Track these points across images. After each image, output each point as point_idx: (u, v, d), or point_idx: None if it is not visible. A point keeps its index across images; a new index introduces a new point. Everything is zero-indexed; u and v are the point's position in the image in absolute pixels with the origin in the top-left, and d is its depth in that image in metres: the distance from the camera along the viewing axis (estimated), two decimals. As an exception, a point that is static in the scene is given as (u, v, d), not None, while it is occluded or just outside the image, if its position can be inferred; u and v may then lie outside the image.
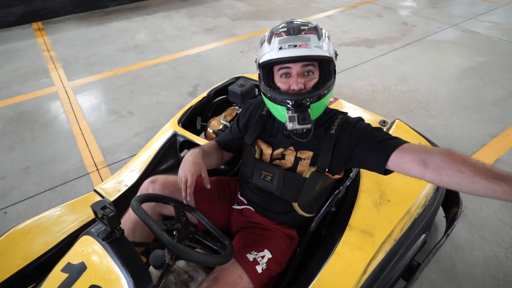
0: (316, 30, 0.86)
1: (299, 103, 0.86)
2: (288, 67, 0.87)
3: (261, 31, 3.94)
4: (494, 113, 2.44)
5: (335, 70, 0.92)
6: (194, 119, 1.67)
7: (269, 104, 0.94)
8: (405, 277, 1.24)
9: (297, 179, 0.98)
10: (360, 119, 0.97)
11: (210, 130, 1.65)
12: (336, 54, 0.92)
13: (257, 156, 1.03)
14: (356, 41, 3.63)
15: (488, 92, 2.70)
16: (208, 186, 0.96)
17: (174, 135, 1.48)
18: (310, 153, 0.97)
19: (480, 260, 1.47)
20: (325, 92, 0.88)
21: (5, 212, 1.74)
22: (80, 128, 2.37)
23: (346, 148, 0.93)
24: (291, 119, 0.87)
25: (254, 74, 1.83)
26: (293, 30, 0.85)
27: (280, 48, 0.84)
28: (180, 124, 1.54)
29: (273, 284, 0.99)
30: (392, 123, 1.50)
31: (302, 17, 4.34)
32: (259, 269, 0.93)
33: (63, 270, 0.80)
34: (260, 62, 0.90)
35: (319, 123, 0.97)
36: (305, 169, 0.97)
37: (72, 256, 0.81)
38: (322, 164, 0.95)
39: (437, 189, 1.24)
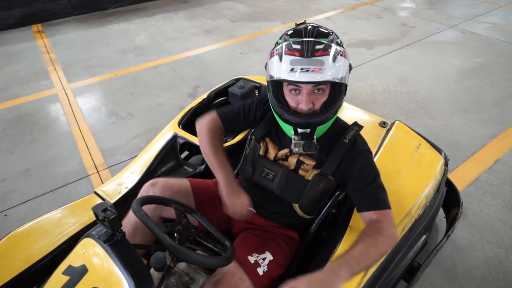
0: (330, 49, 0.81)
1: (306, 126, 0.86)
2: (298, 86, 0.84)
3: (261, 33, 3.95)
4: (493, 114, 2.45)
5: (346, 86, 0.90)
6: (194, 120, 1.66)
7: (277, 117, 0.93)
8: (406, 278, 1.25)
9: (299, 180, 0.98)
10: (366, 150, 0.97)
11: (210, 132, 1.65)
12: (350, 68, 0.89)
13: (261, 153, 1.02)
14: (355, 42, 3.64)
15: (487, 93, 2.71)
16: (253, 210, 0.98)
17: (175, 137, 1.48)
18: (313, 162, 0.97)
19: (480, 261, 1.47)
20: (334, 112, 0.88)
21: (5, 215, 1.74)
22: (80, 130, 2.37)
23: (343, 170, 0.95)
24: (296, 144, 0.87)
25: (254, 76, 1.84)
26: (307, 52, 0.80)
27: (292, 70, 0.80)
28: (180, 126, 1.54)
29: (275, 285, 0.99)
30: (392, 124, 1.50)
31: (301, 18, 4.34)
32: (260, 271, 0.93)
33: (64, 273, 0.80)
34: (270, 76, 0.88)
35: (327, 134, 0.97)
36: (307, 172, 0.97)
37: (73, 259, 0.81)
38: (326, 170, 0.95)
39: (438, 190, 1.24)
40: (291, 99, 0.88)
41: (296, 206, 1.01)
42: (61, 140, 2.28)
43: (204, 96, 1.74)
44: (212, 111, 1.13)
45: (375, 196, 0.91)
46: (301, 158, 0.98)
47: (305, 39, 0.82)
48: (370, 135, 1.44)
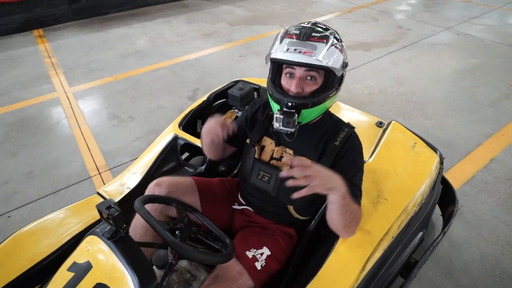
0: (327, 39, 0.87)
1: (291, 106, 0.89)
2: (292, 68, 0.90)
3: (259, 36, 4.00)
4: (488, 114, 2.48)
5: (341, 80, 0.94)
6: (194, 122, 1.70)
7: (269, 97, 0.98)
8: (403, 274, 1.26)
9: None
10: (358, 147, 0.99)
11: (210, 133, 1.68)
12: (345, 65, 0.92)
13: (256, 156, 1.05)
14: (352, 44, 3.68)
15: (482, 93, 2.74)
16: (231, 128, 0.99)
17: (175, 138, 1.50)
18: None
19: (476, 258, 1.49)
20: (320, 100, 0.90)
21: (9, 216, 1.76)
22: (82, 133, 2.39)
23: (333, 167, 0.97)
24: (277, 119, 0.90)
25: (253, 78, 1.87)
26: (304, 35, 0.87)
27: (287, 50, 0.87)
28: (181, 127, 1.56)
29: (273, 281, 1.01)
30: (389, 124, 1.53)
31: (299, 22, 4.39)
32: (258, 265, 0.95)
33: (69, 269, 0.82)
34: (269, 56, 0.93)
35: (320, 131, 0.99)
36: None
37: (78, 256, 0.83)
38: None
39: (433, 187, 1.27)
40: (285, 82, 0.93)
41: (291, 208, 1.04)
42: (63, 142, 2.30)
43: (204, 98, 1.77)
44: None
45: (350, 191, 0.92)
46: None
47: (305, 25, 0.90)
48: (367, 135, 1.48)
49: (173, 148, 1.49)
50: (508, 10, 4.68)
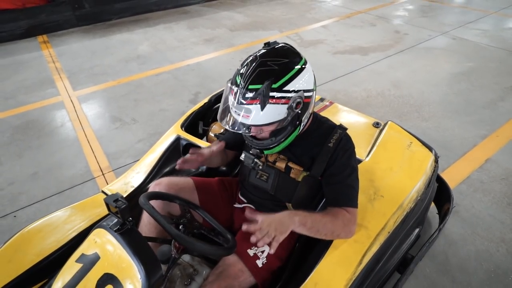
0: (261, 97, 0.84)
1: (256, 148, 0.97)
2: None
3: (259, 41, 4.06)
4: (484, 116, 2.53)
5: (298, 117, 0.92)
6: (196, 123, 1.74)
7: None
8: (400, 270, 1.29)
9: (290, 181, 1.03)
10: (349, 148, 1.01)
11: (211, 134, 1.72)
12: (295, 106, 0.88)
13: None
14: (350, 49, 3.75)
15: (478, 95, 2.80)
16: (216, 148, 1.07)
17: (178, 139, 1.54)
18: (301, 168, 1.02)
19: (472, 254, 1.52)
20: (283, 138, 0.93)
21: (15, 216, 1.79)
22: (86, 135, 2.44)
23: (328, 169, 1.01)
24: (246, 161, 1.01)
25: (253, 81, 1.91)
26: (238, 98, 0.87)
27: (231, 108, 0.91)
28: (183, 128, 1.60)
29: (274, 277, 1.04)
30: (385, 124, 1.57)
31: (298, 27, 4.48)
32: (259, 263, 0.98)
33: (78, 260, 0.85)
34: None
35: (311, 140, 1.02)
36: (298, 174, 1.03)
37: (86, 248, 0.86)
38: (315, 173, 1.00)
39: (428, 185, 1.31)
40: None
41: (289, 206, 1.07)
42: (67, 144, 2.35)
43: (205, 100, 1.81)
44: None
45: (344, 193, 0.97)
46: (289, 164, 1.03)
47: (238, 86, 0.87)
48: (364, 135, 1.52)
49: (175, 148, 1.53)
50: (503, 15, 4.77)
